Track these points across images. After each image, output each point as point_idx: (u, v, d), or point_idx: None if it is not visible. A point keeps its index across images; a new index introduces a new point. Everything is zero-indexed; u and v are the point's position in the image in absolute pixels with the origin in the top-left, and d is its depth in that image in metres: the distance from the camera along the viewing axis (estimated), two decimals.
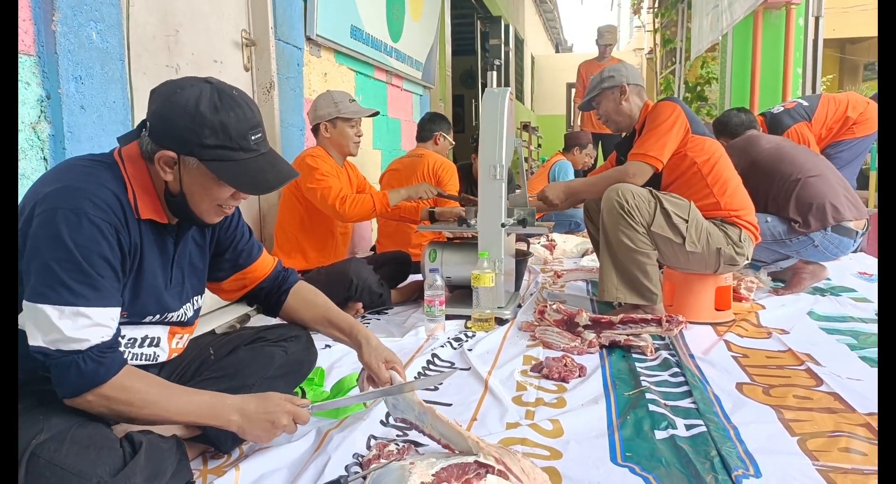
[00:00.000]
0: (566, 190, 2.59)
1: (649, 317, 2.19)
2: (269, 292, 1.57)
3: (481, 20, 9.81)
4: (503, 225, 2.41)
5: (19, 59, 1.63)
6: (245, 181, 1.14)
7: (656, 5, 12.65)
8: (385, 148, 4.45)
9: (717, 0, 7.98)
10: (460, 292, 2.71)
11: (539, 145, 11.00)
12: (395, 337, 2.31)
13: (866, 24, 12.17)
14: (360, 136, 2.73)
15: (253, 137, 1.15)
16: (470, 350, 2.15)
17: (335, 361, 2.05)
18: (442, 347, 2.17)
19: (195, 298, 1.39)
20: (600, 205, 2.43)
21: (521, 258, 2.97)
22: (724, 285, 2.54)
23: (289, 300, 1.58)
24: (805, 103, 3.86)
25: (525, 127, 12.77)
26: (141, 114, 2.05)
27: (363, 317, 2.63)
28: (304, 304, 1.59)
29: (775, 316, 2.59)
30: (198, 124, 1.09)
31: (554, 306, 2.36)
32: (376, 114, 2.79)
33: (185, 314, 1.34)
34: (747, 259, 2.43)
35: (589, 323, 2.23)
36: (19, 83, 1.63)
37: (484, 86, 10.49)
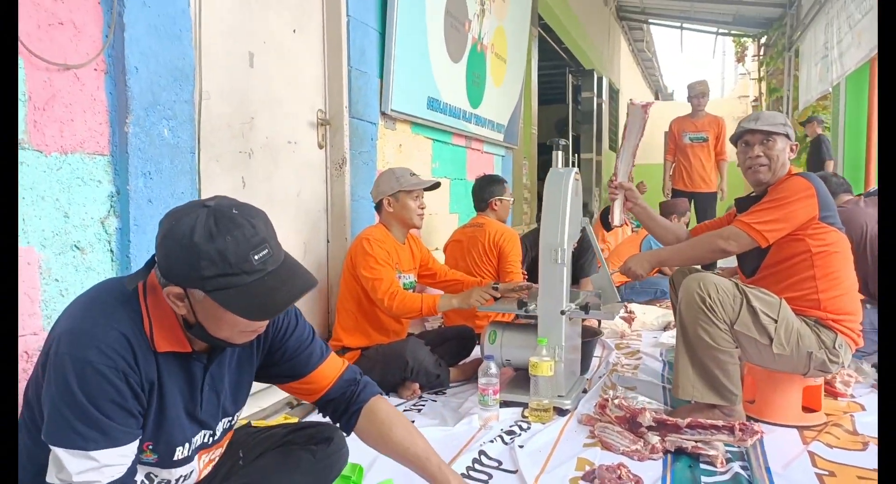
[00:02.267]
0: (651, 259, 2.44)
1: (720, 423, 2.00)
2: (337, 408, 1.45)
3: (573, 74, 9.81)
4: (563, 312, 2.31)
5: (94, 159, 1.76)
6: (253, 308, 1.10)
7: (761, 53, 12.18)
8: (463, 212, 4.47)
9: (826, 50, 7.56)
10: (522, 375, 2.61)
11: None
12: (448, 426, 2.24)
13: None
14: (423, 208, 2.73)
15: (256, 257, 1.09)
16: (521, 447, 2.05)
17: (376, 456, 2.00)
18: (492, 442, 2.08)
19: (233, 416, 1.37)
20: None
21: (590, 338, 2.84)
22: (815, 384, 2.29)
23: (361, 423, 1.43)
24: None
25: None
26: None
27: (420, 397, 2.58)
28: (377, 435, 1.41)
29: (876, 421, 2.30)
30: (194, 257, 1.06)
31: (616, 402, 2.21)
32: (437, 185, 2.76)
33: (216, 434, 1.33)
34: (842, 366, 2.18)
35: (653, 424, 2.07)
36: (92, 181, 1.76)
37: (576, 138, 10.41)
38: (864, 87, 6.87)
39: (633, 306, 4.06)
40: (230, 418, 1.37)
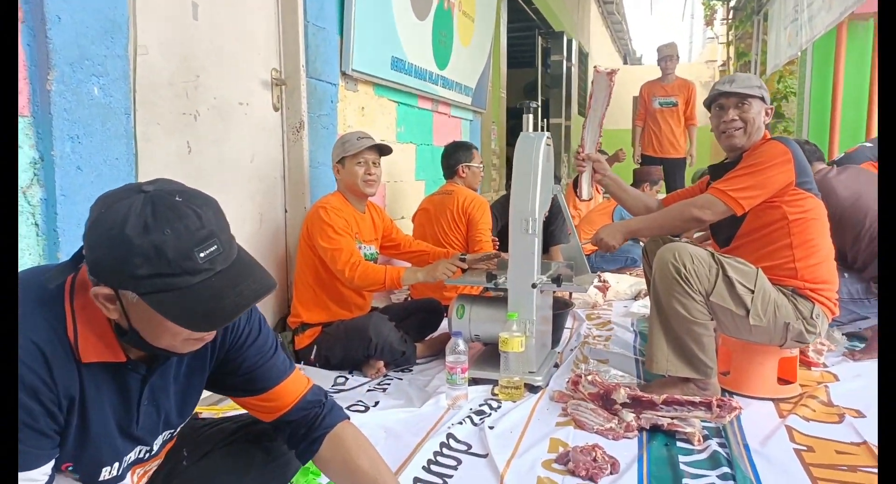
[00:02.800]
0: (624, 230, 2.31)
1: (697, 399, 1.92)
2: (297, 431, 1.25)
3: (542, 36, 9.58)
4: (534, 285, 2.20)
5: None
6: (196, 316, 0.90)
7: (730, 17, 12.08)
8: (429, 179, 4.31)
9: (796, 13, 7.48)
10: (491, 350, 2.50)
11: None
12: (414, 406, 2.13)
13: None
14: (371, 174, 2.53)
15: (202, 255, 0.89)
16: (491, 428, 1.95)
17: None
18: (461, 423, 1.97)
19: (176, 427, 1.20)
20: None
21: (561, 310, 2.74)
22: (791, 356, 2.24)
23: (323, 451, 1.24)
24: (869, 144, 3.43)
25: None
26: (148, 168, 1.99)
27: (385, 376, 2.46)
28: (341, 464, 1.24)
29: (850, 390, 2.26)
30: (125, 252, 0.87)
31: (590, 378, 2.12)
32: (384, 148, 2.57)
33: (153, 449, 1.17)
34: (818, 335, 2.12)
35: (628, 401, 1.98)
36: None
37: (545, 103, 10.23)
38: (831, 52, 6.84)
39: (605, 276, 3.99)
40: (173, 430, 1.20)
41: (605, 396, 2.03)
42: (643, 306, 3.44)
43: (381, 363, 2.44)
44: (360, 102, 3.32)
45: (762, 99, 2.18)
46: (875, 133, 6.38)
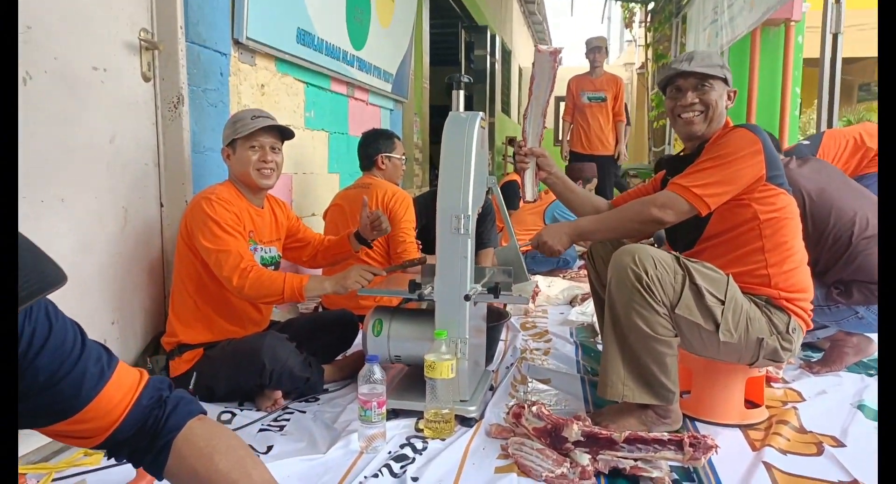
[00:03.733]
0: (571, 232, 1.95)
1: (666, 437, 1.58)
2: (137, 446, 0.98)
3: (466, 29, 9.27)
4: (467, 297, 1.80)
5: None
6: None
7: (648, 20, 12.20)
8: (344, 171, 3.84)
9: (715, 15, 7.49)
10: (415, 372, 2.08)
11: None
12: (318, 452, 1.68)
13: (862, 44, 11.77)
14: (266, 162, 2.07)
15: None
16: (415, 480, 1.53)
17: None
18: (376, 476, 1.54)
19: None
20: (610, 254, 1.81)
21: (496, 322, 2.36)
22: (758, 375, 1.95)
23: (172, 461, 0.98)
24: (806, 142, 3.28)
25: (511, 141, 12.22)
26: None
27: (284, 408, 2.00)
28: (191, 472, 0.97)
29: (820, 413, 1.99)
30: None
31: (534, 409, 1.74)
32: (283, 130, 2.12)
33: None
34: (793, 353, 1.83)
35: (581, 439, 1.62)
36: None
37: (469, 98, 9.93)
38: (746, 57, 6.89)
39: (534, 278, 3.65)
40: None
41: (555, 432, 1.65)
42: (581, 314, 3.13)
43: (279, 394, 1.98)
44: (260, 79, 2.82)
45: (725, 80, 1.89)
46: (788, 139, 6.50)
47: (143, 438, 0.97)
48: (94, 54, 1.97)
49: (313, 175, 3.46)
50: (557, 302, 3.52)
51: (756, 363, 1.82)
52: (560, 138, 6.53)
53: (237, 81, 2.62)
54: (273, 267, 2.20)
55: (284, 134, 2.14)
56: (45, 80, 1.78)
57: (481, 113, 1.90)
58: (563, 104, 6.42)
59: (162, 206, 2.32)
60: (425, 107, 6.02)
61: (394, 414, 1.89)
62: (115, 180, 2.07)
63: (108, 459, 1.02)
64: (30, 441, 1.57)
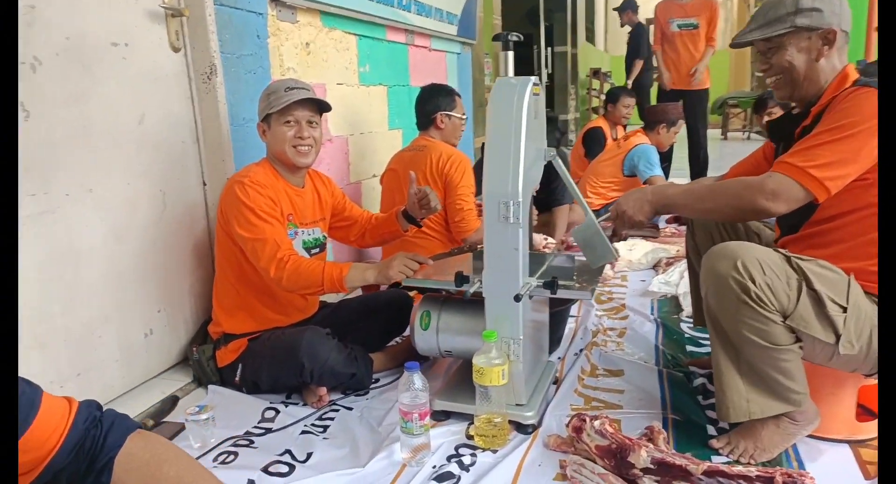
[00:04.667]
0: (655, 201, 1.64)
1: (754, 474, 1.32)
2: (76, 472, 0.93)
3: None
4: (518, 297, 1.57)
5: None
6: None
7: None
8: (407, 126, 3.61)
9: None
10: (468, 368, 1.89)
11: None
12: (357, 464, 1.55)
13: None
14: (303, 139, 1.89)
15: None
16: None
17: None
18: None
19: None
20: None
21: (562, 307, 2.13)
22: (872, 383, 1.63)
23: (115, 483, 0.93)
24: None
25: (595, 73, 11.47)
26: None
27: (331, 403, 1.88)
28: None
29: None
30: None
31: (597, 424, 1.52)
32: (321, 103, 1.92)
33: None
34: None
35: (651, 466, 1.39)
36: None
37: (549, 29, 9.27)
38: None
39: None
40: None
41: (620, 455, 1.44)
42: (664, 283, 2.82)
43: (324, 390, 1.86)
44: (304, 37, 2.60)
45: (800, 29, 1.49)
46: None
47: (82, 462, 0.92)
48: (112, 28, 1.81)
49: (372, 134, 3.26)
50: (640, 267, 3.21)
51: (875, 374, 1.51)
52: (655, 68, 5.98)
53: (277, 43, 2.41)
54: (318, 249, 2.05)
55: (322, 107, 1.94)
56: (57, 64, 1.64)
57: (534, 78, 1.60)
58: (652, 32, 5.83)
59: (205, 185, 2.20)
60: (498, 45, 5.62)
61: (444, 416, 1.74)
62: (148, 163, 1.95)
63: None
64: None
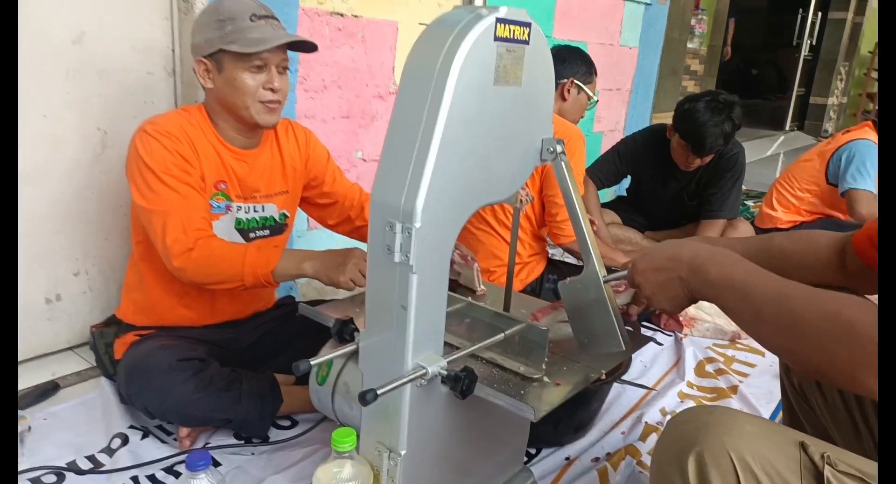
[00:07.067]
0: (698, 288, 0.85)
1: None
2: None
3: None
4: (364, 397, 0.88)
5: None
6: None
7: None
8: None
9: None
10: None
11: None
12: None
13: None
14: (275, 91, 1.35)
15: None
16: None
17: None
18: None
19: None
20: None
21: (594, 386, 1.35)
22: None
23: None
24: None
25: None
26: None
27: (205, 448, 1.38)
28: None
29: None
30: None
31: None
32: (307, 44, 1.37)
33: None
34: None
35: None
36: None
37: None
38: None
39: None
40: None
41: None
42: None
43: (185, 431, 1.36)
44: None
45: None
46: None
47: None
48: None
49: None
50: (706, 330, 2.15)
51: None
52: None
53: None
54: (266, 233, 1.53)
55: (307, 47, 1.40)
56: None
57: (503, 8, 0.86)
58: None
59: None
60: (723, 2, 4.42)
61: None
62: (82, 93, 1.57)
63: None
64: None
